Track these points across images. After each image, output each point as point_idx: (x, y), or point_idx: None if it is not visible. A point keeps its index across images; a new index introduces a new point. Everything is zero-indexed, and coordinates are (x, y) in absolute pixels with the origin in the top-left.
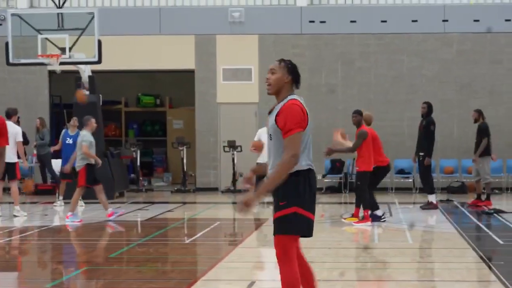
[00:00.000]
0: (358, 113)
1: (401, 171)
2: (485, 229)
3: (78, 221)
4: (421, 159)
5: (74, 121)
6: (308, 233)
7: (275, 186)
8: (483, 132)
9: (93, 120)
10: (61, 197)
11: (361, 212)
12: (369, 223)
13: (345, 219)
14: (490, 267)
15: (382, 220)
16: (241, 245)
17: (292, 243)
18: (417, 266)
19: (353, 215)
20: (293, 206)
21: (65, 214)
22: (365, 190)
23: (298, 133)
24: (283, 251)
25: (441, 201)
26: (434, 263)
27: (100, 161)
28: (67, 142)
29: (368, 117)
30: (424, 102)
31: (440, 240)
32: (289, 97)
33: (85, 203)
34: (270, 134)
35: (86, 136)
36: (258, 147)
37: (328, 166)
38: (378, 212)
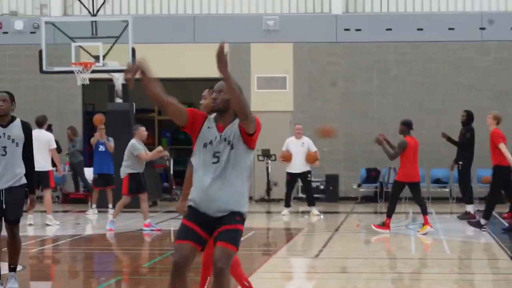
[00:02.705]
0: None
1: (437, 181)
2: None
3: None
4: (460, 168)
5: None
6: None
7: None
8: None
9: (141, 129)
10: (93, 206)
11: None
12: (388, 231)
13: (418, 232)
14: None
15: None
16: (276, 255)
17: None
18: (455, 277)
19: (423, 224)
20: None
21: (100, 223)
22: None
23: None
24: None
25: (478, 211)
26: (472, 274)
27: (166, 153)
28: (99, 149)
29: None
30: (464, 110)
31: (478, 250)
32: None
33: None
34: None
35: (134, 146)
36: (287, 158)
37: (363, 175)
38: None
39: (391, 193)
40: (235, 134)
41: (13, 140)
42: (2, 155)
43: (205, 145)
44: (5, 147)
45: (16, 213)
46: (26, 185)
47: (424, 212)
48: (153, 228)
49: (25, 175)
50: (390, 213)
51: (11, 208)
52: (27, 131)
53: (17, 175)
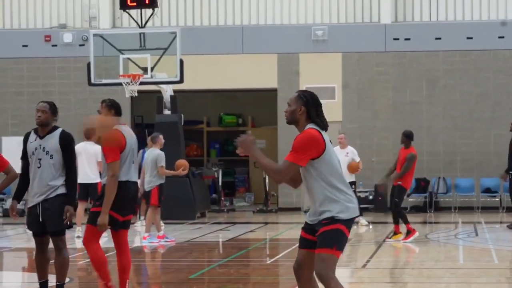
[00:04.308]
0: None
1: (487, 190)
2: None
3: (156, 242)
4: (511, 177)
5: (150, 141)
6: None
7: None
8: None
9: (161, 137)
10: (142, 217)
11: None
12: (416, 233)
13: (389, 238)
14: None
15: None
16: None
17: (97, 232)
18: (503, 287)
19: (395, 233)
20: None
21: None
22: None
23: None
24: (88, 237)
25: None
26: None
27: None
28: None
29: None
30: None
31: None
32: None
33: (164, 223)
34: None
35: (160, 156)
36: None
37: (412, 185)
38: None
39: (397, 201)
40: None
41: (47, 152)
42: (38, 167)
43: None
44: (40, 159)
45: (56, 224)
46: (65, 195)
47: (396, 221)
48: (167, 239)
49: (66, 186)
50: (406, 220)
51: (49, 219)
52: (65, 141)
53: (53, 187)
